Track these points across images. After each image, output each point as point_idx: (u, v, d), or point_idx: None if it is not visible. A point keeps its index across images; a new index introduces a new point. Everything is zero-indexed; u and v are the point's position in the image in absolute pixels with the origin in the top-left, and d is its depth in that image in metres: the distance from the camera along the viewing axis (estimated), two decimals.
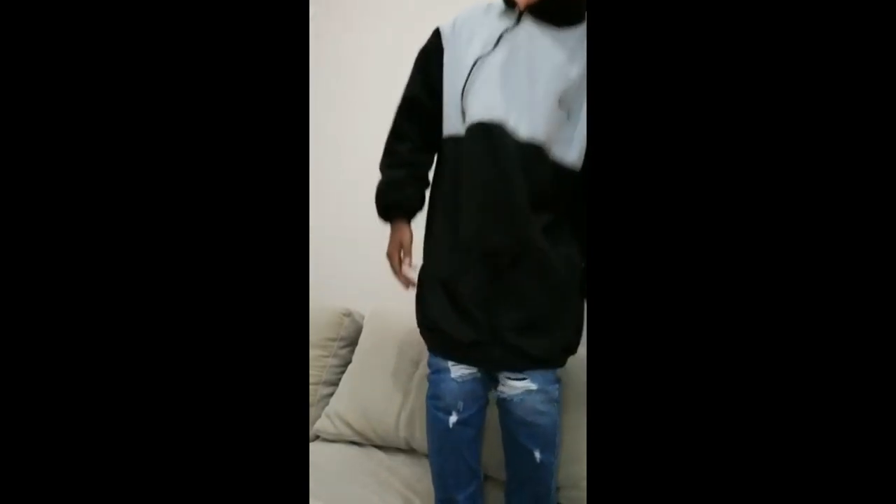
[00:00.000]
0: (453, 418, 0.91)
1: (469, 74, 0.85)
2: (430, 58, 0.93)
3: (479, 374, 0.92)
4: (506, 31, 0.85)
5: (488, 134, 0.83)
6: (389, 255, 0.99)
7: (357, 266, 1.71)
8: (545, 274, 0.84)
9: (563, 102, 0.82)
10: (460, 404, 0.91)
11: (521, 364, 0.85)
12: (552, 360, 0.88)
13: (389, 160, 0.98)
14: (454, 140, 0.88)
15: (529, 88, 0.83)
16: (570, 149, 0.84)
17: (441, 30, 0.94)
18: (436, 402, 0.94)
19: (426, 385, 1.24)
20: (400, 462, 1.20)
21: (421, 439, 1.19)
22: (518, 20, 0.85)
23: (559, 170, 0.84)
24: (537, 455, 0.87)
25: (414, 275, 0.97)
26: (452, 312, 0.87)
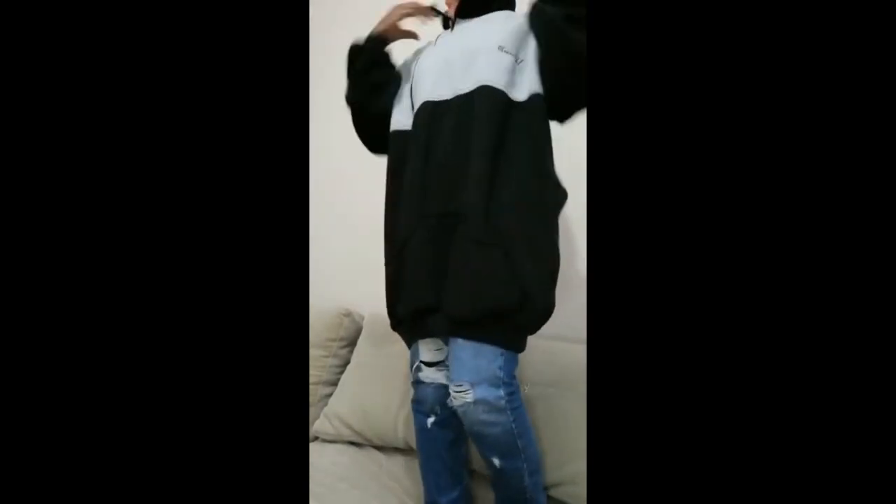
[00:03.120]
0: (431, 419, 0.96)
1: (412, 77, 0.96)
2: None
3: (446, 382, 0.91)
4: (441, 34, 1.00)
5: (428, 108, 0.90)
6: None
7: (357, 266, 1.71)
8: (483, 232, 0.80)
9: (502, 48, 0.87)
10: (437, 407, 0.96)
11: (450, 329, 0.82)
12: (477, 323, 0.80)
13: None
14: (395, 133, 0.97)
15: (465, 57, 0.90)
16: (520, 90, 0.87)
17: None
18: (418, 406, 0.99)
19: None
20: (399, 463, 1.20)
21: None
22: (452, 27, 0.99)
23: (511, 104, 0.86)
24: (496, 462, 0.85)
25: None
26: (403, 291, 0.89)
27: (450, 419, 0.95)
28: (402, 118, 0.97)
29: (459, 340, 0.82)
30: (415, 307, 0.86)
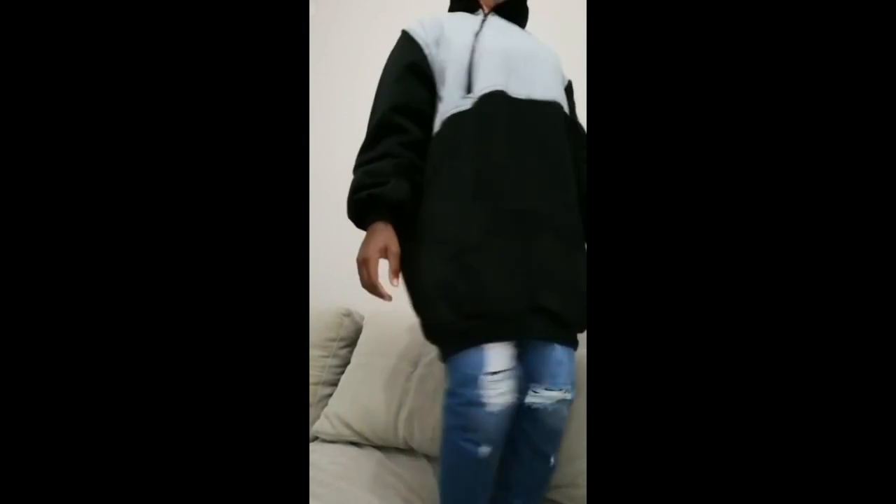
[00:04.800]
0: (485, 449, 0.77)
1: (473, 52, 0.89)
2: (414, 59, 0.92)
3: (517, 399, 0.80)
4: (483, 22, 0.97)
5: (504, 100, 0.87)
6: (364, 262, 0.81)
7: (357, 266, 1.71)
8: (571, 236, 0.85)
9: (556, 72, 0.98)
10: (498, 438, 0.79)
11: (555, 331, 0.80)
12: (581, 323, 0.85)
13: (366, 156, 0.86)
14: (458, 115, 0.87)
15: (526, 60, 0.92)
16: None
17: (411, 31, 0.95)
18: (468, 435, 0.77)
19: (425, 385, 1.24)
20: (399, 462, 1.20)
21: (420, 439, 1.19)
22: (485, 16, 0.99)
23: (571, 123, 0.96)
24: (552, 460, 0.85)
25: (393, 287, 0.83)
26: (484, 286, 0.77)
27: (501, 441, 0.81)
28: (456, 97, 0.88)
29: (557, 344, 0.82)
30: (509, 306, 0.77)
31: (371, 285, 0.82)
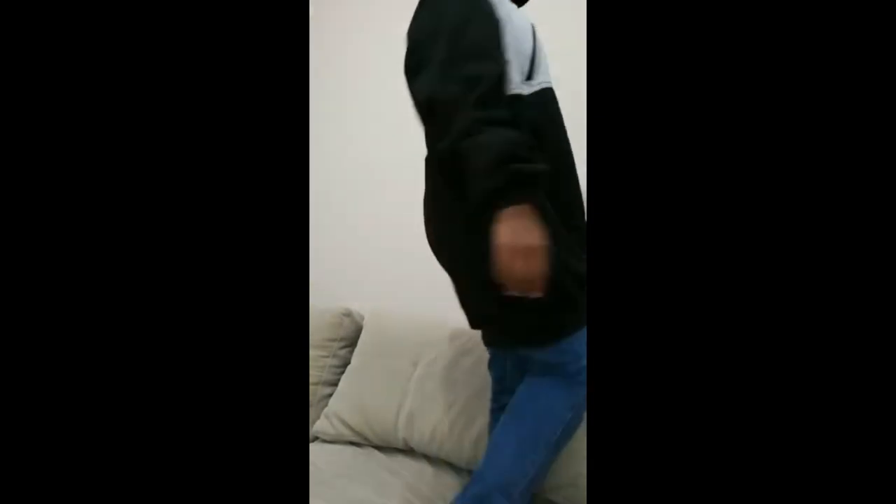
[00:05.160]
0: None
1: (535, 39, 0.83)
2: (498, 22, 0.79)
3: None
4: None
5: (555, 98, 0.86)
6: (536, 251, 0.68)
7: (357, 266, 1.71)
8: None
9: None
10: None
11: None
12: None
13: (495, 113, 0.69)
14: (516, 98, 0.79)
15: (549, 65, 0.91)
16: None
17: None
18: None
19: (425, 386, 1.24)
20: (399, 463, 1.20)
21: (419, 440, 1.19)
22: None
23: None
24: None
25: None
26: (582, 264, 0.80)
27: None
28: (515, 79, 0.80)
29: None
30: None
31: (540, 277, 0.70)
